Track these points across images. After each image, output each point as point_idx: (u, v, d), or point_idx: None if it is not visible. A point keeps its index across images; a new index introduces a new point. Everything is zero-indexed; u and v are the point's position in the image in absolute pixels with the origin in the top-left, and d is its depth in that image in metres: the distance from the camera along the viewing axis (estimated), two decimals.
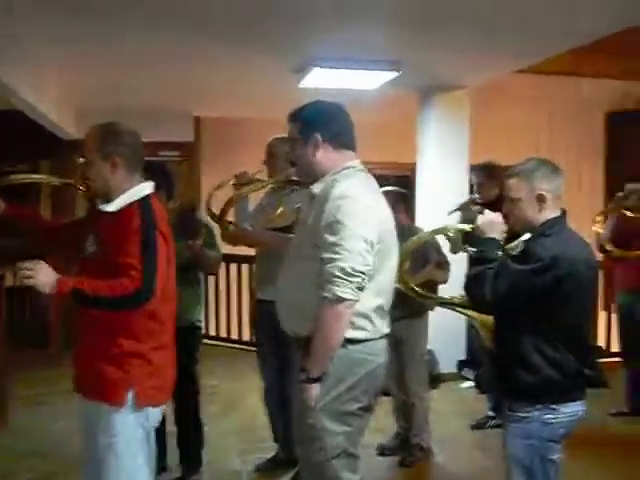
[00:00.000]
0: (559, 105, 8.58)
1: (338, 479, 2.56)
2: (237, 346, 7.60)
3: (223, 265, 7.40)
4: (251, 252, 4.35)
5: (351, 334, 2.49)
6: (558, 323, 2.54)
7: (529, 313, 2.54)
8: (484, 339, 2.92)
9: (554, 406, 2.56)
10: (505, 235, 2.71)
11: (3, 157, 8.09)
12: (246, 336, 7.49)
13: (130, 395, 2.51)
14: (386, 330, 2.65)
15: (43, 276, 2.35)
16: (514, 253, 2.61)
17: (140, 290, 2.39)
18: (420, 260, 4.07)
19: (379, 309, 2.58)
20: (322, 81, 5.73)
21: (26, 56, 5.07)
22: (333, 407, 2.52)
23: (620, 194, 5.07)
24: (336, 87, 5.84)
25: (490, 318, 2.79)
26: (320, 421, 2.52)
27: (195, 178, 8.29)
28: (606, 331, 6.48)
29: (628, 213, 4.57)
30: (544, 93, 8.42)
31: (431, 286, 4.13)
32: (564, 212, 2.66)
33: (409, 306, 3.96)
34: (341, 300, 2.39)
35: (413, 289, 3.31)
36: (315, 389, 2.48)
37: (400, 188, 4.59)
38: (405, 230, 3.65)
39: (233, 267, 7.53)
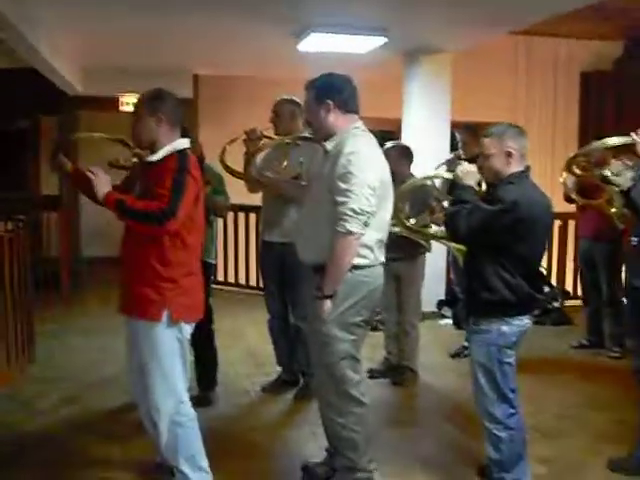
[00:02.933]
0: (537, 65, 9.04)
1: (344, 377, 3.17)
2: (235, 289, 8.08)
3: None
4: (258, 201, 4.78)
5: (356, 261, 3.08)
6: (515, 255, 3.08)
7: (493, 245, 3.09)
8: (458, 260, 3.51)
9: (507, 319, 3.13)
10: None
11: (7, 113, 8.47)
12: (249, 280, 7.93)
13: (165, 313, 3.01)
14: (383, 259, 3.25)
15: (102, 182, 3.03)
16: (484, 196, 3.18)
17: (165, 210, 2.90)
18: (420, 205, 4.52)
19: (379, 242, 3.18)
20: (318, 45, 6.19)
21: (42, 19, 5.49)
22: (341, 319, 3.12)
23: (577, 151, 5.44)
24: (331, 50, 6.32)
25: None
26: (331, 330, 3.12)
27: (193, 132, 8.68)
28: (573, 278, 7.16)
29: (577, 171, 4.63)
30: (522, 54, 8.92)
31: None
32: (528, 167, 3.18)
33: (408, 248, 4.60)
34: (351, 233, 2.99)
35: (407, 226, 3.95)
36: (327, 304, 3.07)
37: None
38: (407, 179, 4.25)
39: (241, 216, 7.86)
